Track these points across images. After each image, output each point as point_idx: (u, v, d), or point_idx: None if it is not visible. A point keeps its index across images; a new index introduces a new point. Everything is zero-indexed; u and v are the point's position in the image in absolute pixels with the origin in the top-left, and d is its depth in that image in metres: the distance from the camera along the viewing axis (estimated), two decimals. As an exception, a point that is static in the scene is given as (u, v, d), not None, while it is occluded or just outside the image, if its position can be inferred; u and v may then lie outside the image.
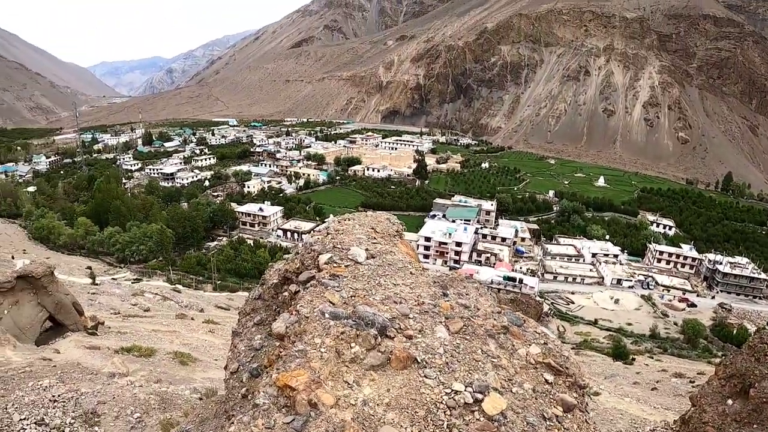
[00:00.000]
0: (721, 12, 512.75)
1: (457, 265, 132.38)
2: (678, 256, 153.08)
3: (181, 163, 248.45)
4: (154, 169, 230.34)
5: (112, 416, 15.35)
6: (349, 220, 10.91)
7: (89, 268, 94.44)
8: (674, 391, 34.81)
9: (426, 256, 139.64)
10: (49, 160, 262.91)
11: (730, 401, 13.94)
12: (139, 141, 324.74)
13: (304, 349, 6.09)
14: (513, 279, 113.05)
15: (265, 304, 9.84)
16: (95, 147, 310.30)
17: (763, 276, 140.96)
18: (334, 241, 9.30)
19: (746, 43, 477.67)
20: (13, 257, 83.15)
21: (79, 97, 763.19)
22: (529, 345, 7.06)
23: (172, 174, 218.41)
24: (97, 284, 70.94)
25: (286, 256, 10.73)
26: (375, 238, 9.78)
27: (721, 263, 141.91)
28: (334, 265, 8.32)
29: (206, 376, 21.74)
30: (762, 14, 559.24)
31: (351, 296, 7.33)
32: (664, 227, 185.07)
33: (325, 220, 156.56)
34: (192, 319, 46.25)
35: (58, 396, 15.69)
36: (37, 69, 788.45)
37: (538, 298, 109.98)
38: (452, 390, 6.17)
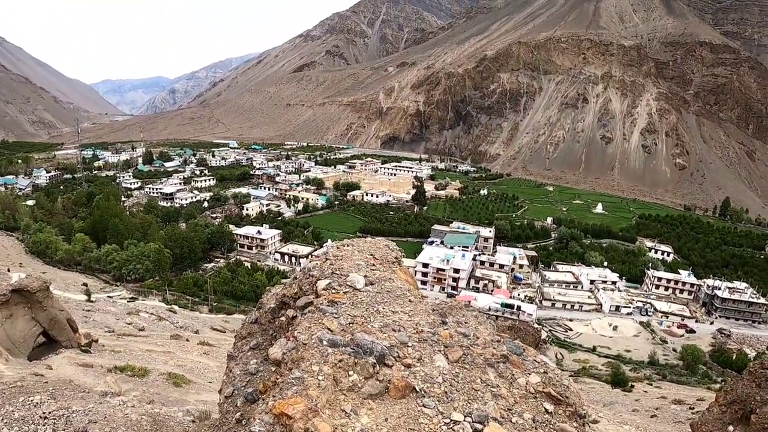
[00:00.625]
0: (717, 39, 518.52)
1: (455, 292, 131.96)
2: (676, 282, 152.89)
3: (180, 183, 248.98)
4: (153, 189, 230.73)
5: (103, 436, 15.14)
6: (347, 245, 10.89)
7: (85, 284, 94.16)
8: (674, 418, 34.51)
9: (424, 282, 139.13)
10: (50, 174, 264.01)
11: (731, 428, 13.85)
12: (140, 160, 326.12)
13: (301, 377, 6.01)
14: (511, 306, 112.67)
15: (262, 329, 9.78)
16: (96, 164, 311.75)
17: (762, 300, 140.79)
18: (332, 266, 9.28)
19: (742, 68, 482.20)
20: (8, 270, 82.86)
21: (81, 113, 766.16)
22: (529, 374, 6.99)
23: (171, 194, 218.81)
24: (92, 301, 70.65)
25: (284, 280, 10.63)
26: (374, 264, 9.76)
27: (719, 288, 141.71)
28: (333, 291, 8.30)
29: (200, 398, 21.49)
30: (758, 40, 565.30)
31: (349, 323, 7.26)
32: (663, 253, 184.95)
33: (324, 244, 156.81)
34: (187, 340, 45.89)
35: (49, 413, 15.46)
36: (41, 83, 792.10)
37: (536, 326, 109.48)
38: (451, 420, 6.08)
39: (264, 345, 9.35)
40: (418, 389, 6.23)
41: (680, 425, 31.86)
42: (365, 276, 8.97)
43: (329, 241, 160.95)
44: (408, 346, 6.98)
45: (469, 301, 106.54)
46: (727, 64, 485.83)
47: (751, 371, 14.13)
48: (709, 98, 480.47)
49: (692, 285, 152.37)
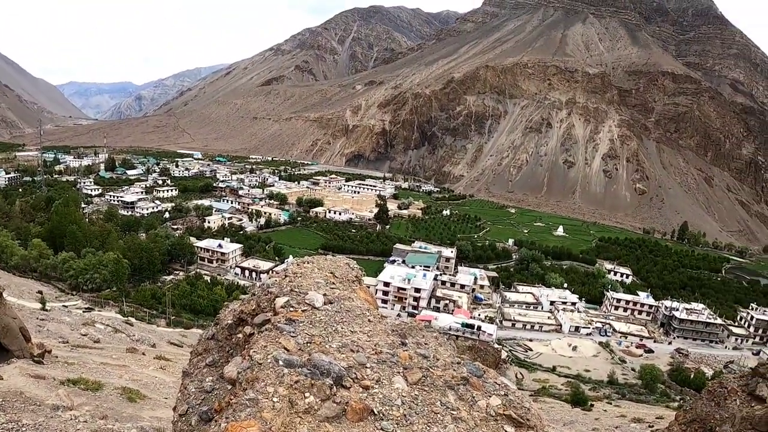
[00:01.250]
0: (680, 69, 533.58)
1: (416, 311, 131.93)
2: (635, 303, 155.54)
3: (142, 192, 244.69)
4: (114, 197, 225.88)
5: (52, 453, 14.62)
6: (308, 263, 10.71)
7: (40, 292, 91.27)
8: (632, 440, 34.86)
9: (384, 301, 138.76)
10: (9, 176, 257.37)
11: (691, 446, 13.95)
12: (102, 166, 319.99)
13: (256, 398, 5.76)
14: (471, 326, 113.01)
15: (218, 345, 9.48)
16: (57, 167, 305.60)
17: (718, 321, 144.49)
18: (291, 284, 9.12)
19: (702, 98, 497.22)
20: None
21: (45, 114, 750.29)
22: (489, 396, 6.86)
23: (132, 203, 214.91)
24: (47, 310, 68.33)
25: (242, 296, 10.28)
26: (334, 283, 9.64)
27: (677, 309, 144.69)
28: (291, 309, 8.12)
29: (155, 414, 20.90)
30: (718, 71, 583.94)
31: (307, 342, 7.04)
32: (622, 275, 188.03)
33: (285, 260, 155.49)
34: (143, 354, 44.81)
35: (-2, 426, 14.90)
36: (5, 81, 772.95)
37: (496, 346, 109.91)
38: (411, 444, 5.93)
39: (220, 362, 9.06)
40: (376, 412, 6.01)
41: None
42: (324, 294, 8.82)
43: (290, 257, 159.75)
44: (366, 367, 6.79)
45: (430, 321, 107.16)
46: (688, 94, 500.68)
47: (710, 390, 14.28)
48: (670, 126, 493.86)
49: (650, 306, 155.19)
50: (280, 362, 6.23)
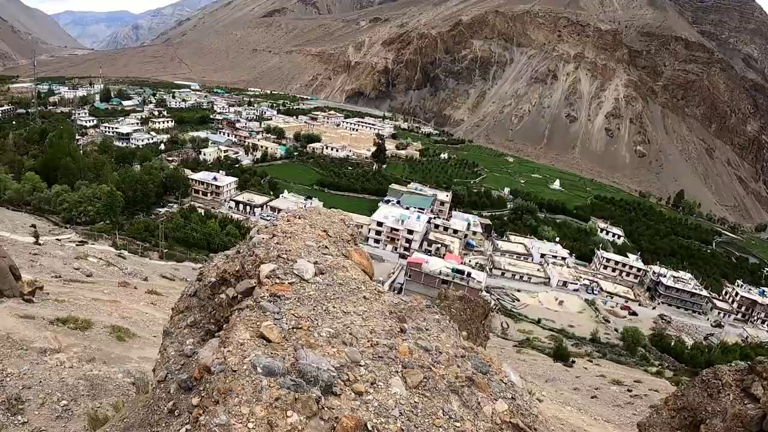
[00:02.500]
0: (694, 36, 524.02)
1: (408, 253, 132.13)
2: (624, 264, 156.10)
3: (138, 123, 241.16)
4: (109, 128, 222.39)
5: (37, 403, 14.05)
6: (299, 218, 9.95)
7: (33, 226, 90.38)
8: (613, 401, 35.01)
9: (377, 241, 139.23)
10: (2, 108, 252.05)
11: (678, 434, 13.56)
12: (97, 97, 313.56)
13: (228, 424, 4.86)
14: (461, 272, 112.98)
15: (201, 304, 8.68)
16: (51, 99, 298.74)
17: (703, 293, 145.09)
18: (279, 247, 8.36)
19: (713, 69, 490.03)
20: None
21: (40, 45, 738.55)
22: (495, 400, 6.10)
23: (127, 134, 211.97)
24: (40, 244, 67.61)
25: (227, 252, 9.29)
26: (326, 246, 8.93)
27: (664, 276, 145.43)
28: (277, 281, 7.36)
29: (143, 354, 20.47)
30: (733, 44, 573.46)
31: (293, 328, 6.22)
32: (614, 235, 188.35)
33: (280, 195, 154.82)
34: (135, 288, 44.49)
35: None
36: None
37: (485, 295, 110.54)
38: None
39: (202, 323, 8.29)
40: (370, 427, 5.17)
41: (619, 408, 32.29)
42: (315, 263, 8.11)
43: (285, 191, 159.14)
44: (360, 365, 5.92)
45: (421, 264, 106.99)
46: (700, 62, 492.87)
47: (704, 380, 13.74)
48: (677, 92, 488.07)
49: (639, 269, 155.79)
50: (259, 369, 5.28)
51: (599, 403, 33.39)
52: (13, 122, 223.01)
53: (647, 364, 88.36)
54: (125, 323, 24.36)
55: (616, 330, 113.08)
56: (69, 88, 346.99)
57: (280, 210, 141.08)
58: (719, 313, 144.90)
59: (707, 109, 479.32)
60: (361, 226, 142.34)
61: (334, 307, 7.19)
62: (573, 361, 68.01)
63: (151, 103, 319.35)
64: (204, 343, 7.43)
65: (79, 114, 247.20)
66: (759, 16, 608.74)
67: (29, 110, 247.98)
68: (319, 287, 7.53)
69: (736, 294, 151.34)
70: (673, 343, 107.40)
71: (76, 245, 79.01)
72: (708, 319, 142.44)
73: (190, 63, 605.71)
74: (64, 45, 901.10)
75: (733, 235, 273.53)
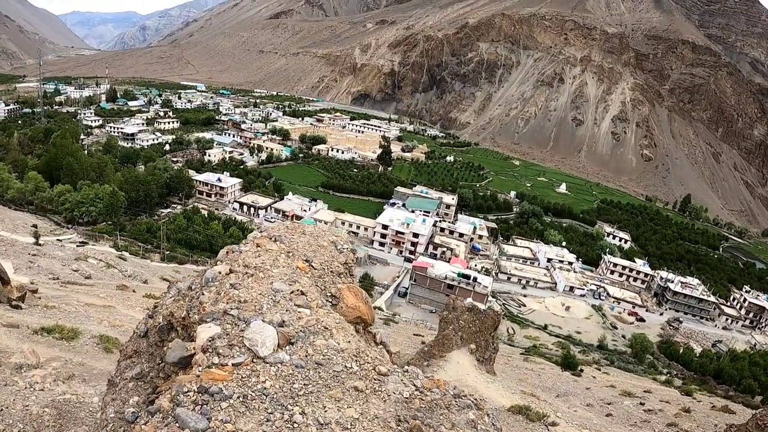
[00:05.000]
0: (701, 40, 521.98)
1: (413, 257, 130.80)
2: (631, 269, 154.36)
3: (143, 124, 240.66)
4: (114, 128, 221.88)
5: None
6: (274, 241, 7.59)
7: (35, 226, 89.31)
8: (628, 419, 33.43)
9: (382, 244, 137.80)
10: (8, 108, 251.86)
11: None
12: (103, 97, 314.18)
13: None
14: (467, 276, 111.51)
15: (149, 351, 6.65)
16: (57, 98, 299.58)
17: (711, 299, 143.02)
18: (232, 294, 6.01)
19: (720, 73, 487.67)
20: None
21: (47, 45, 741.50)
22: None
23: (132, 134, 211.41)
24: (40, 245, 66.38)
25: (178, 284, 7.12)
26: (302, 292, 6.36)
27: (672, 281, 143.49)
28: (216, 359, 5.09)
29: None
30: (740, 48, 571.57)
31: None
32: (620, 240, 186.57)
33: (285, 197, 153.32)
34: (133, 291, 43.19)
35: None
36: (6, 11, 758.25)
37: (492, 301, 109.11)
38: None
39: (150, 375, 6.26)
40: None
41: (636, 429, 30.68)
42: (281, 324, 5.65)
43: (290, 193, 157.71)
44: None
45: (426, 268, 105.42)
46: (706, 66, 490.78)
47: (759, 424, 12.29)
48: (684, 96, 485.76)
49: (646, 275, 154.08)
50: None
51: (615, 423, 31.79)
52: (19, 121, 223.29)
53: (656, 373, 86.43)
54: (115, 332, 22.80)
55: (623, 336, 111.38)
56: (75, 88, 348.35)
57: (284, 212, 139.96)
58: (727, 319, 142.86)
59: (714, 113, 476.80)
60: (366, 229, 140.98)
61: (303, 413, 4.68)
62: (581, 370, 66.21)
63: (156, 103, 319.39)
64: (150, 406, 5.52)
65: (84, 114, 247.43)
66: (766, 20, 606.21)
67: (35, 110, 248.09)
68: (282, 373, 5.15)
69: (744, 300, 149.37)
70: (681, 351, 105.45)
71: (77, 246, 77.83)
72: (716, 326, 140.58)
73: (197, 64, 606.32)
74: (71, 45, 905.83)
75: (740, 240, 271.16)
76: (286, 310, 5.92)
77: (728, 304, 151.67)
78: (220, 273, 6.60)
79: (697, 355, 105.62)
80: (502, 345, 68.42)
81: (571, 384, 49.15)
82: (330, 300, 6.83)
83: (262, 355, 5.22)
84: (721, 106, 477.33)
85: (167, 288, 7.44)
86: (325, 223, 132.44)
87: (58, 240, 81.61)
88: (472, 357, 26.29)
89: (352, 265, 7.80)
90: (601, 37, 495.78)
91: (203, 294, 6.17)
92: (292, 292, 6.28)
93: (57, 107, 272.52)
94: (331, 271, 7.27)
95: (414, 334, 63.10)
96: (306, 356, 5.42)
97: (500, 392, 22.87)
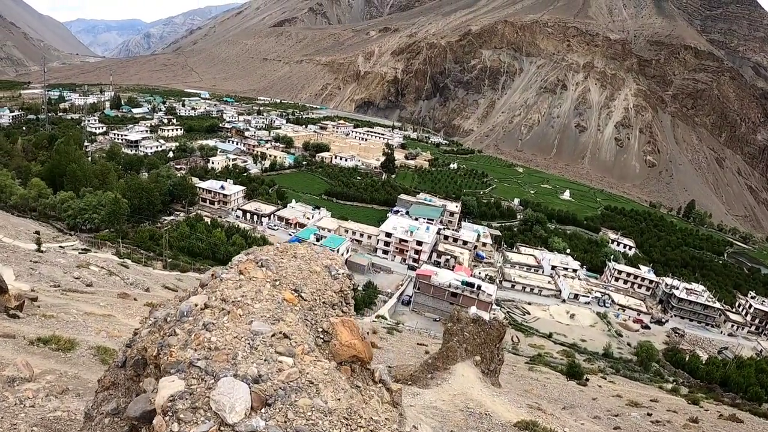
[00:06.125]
0: (703, 45, 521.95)
1: (417, 265, 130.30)
2: (636, 276, 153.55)
3: (147, 131, 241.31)
4: (118, 135, 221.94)
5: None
6: (261, 266, 6.69)
7: (37, 233, 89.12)
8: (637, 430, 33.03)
9: (386, 252, 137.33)
10: (13, 114, 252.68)
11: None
12: (107, 104, 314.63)
13: None
14: (471, 285, 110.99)
15: (126, 384, 6.11)
16: (61, 105, 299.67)
17: (717, 305, 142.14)
18: (202, 337, 5.23)
19: (723, 78, 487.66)
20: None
21: (51, 52, 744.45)
22: None
23: (136, 141, 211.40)
24: (42, 251, 66.17)
25: (156, 314, 6.51)
26: (285, 335, 5.52)
27: (677, 288, 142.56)
28: (175, 429, 4.43)
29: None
30: (742, 53, 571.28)
31: None
32: (625, 246, 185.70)
33: (288, 204, 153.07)
34: (134, 299, 42.76)
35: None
36: (12, 18, 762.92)
37: (496, 309, 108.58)
38: None
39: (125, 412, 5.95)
40: None
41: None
42: (257, 379, 4.84)
43: (293, 201, 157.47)
44: None
45: (430, 276, 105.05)
46: (709, 71, 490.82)
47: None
48: (687, 101, 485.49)
49: (651, 281, 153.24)
50: None
51: (623, 437, 31.45)
52: (23, 128, 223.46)
53: (662, 381, 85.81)
54: (113, 343, 22.40)
55: (628, 344, 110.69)
56: (80, 95, 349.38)
57: (287, 220, 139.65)
58: (732, 325, 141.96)
59: (717, 118, 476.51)
60: (370, 237, 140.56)
61: None
62: (587, 379, 65.74)
63: (160, 111, 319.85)
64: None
65: (89, 121, 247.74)
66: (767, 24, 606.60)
67: (39, 116, 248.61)
68: None
69: (750, 306, 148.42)
70: (688, 359, 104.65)
71: (79, 253, 77.56)
72: (722, 332, 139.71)
73: (201, 71, 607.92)
74: (76, 52, 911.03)
75: (745, 246, 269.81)
76: (265, 360, 5.22)
77: (734, 310, 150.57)
78: (196, 306, 5.93)
79: (703, 362, 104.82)
80: (506, 354, 68.00)
81: (577, 394, 48.69)
82: (321, 336, 6.12)
83: (231, 422, 4.47)
84: (724, 111, 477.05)
85: (149, 313, 7.02)
86: (329, 231, 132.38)
87: (60, 247, 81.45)
88: (477, 369, 25.91)
89: (348, 292, 7.05)
90: (604, 43, 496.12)
91: (175, 332, 5.52)
92: (273, 335, 5.50)
93: (61, 114, 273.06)
94: (324, 302, 6.55)
95: (418, 344, 62.65)
96: (285, 422, 4.62)
97: (506, 406, 22.49)
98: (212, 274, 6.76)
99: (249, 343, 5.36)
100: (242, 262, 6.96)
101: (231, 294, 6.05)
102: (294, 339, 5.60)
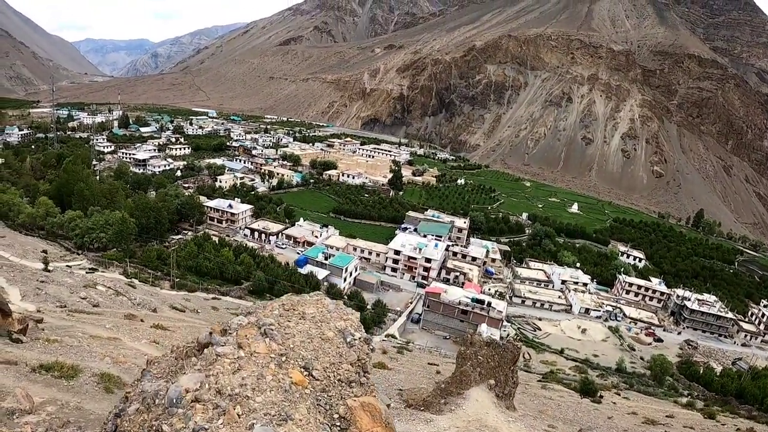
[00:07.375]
0: (706, 53, 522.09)
1: (426, 282, 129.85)
2: (647, 288, 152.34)
3: (155, 150, 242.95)
4: (126, 154, 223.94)
5: None
6: (264, 335, 5.84)
7: (45, 251, 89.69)
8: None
9: (394, 270, 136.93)
10: (22, 132, 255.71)
11: None
12: (116, 123, 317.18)
13: None
14: (481, 301, 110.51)
15: None
16: (70, 124, 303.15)
17: (729, 315, 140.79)
18: (202, 423, 4.47)
19: (728, 85, 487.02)
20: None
21: (60, 71, 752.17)
22: None
23: (144, 160, 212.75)
24: (49, 271, 66.30)
25: (143, 386, 5.98)
26: (298, 418, 4.65)
27: (689, 299, 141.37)
28: None
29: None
30: (746, 59, 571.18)
31: None
32: (635, 259, 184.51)
33: (296, 222, 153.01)
34: (141, 320, 42.74)
35: None
36: (21, 38, 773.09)
37: (507, 326, 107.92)
38: None
39: None
40: None
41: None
42: None
43: (301, 219, 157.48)
44: None
45: (440, 293, 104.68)
46: (714, 79, 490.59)
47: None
48: (692, 110, 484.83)
49: (662, 293, 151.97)
50: None
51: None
52: (32, 146, 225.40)
53: (676, 395, 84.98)
54: (117, 370, 22.24)
55: (642, 358, 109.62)
56: (88, 114, 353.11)
57: (296, 238, 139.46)
58: (746, 335, 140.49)
59: (723, 125, 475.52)
60: (378, 255, 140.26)
61: None
62: (601, 396, 65.12)
63: (168, 129, 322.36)
64: None
65: (97, 139, 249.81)
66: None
67: (48, 135, 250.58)
68: None
69: (763, 315, 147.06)
70: (702, 371, 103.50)
71: (87, 272, 77.69)
72: (735, 342, 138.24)
73: (208, 90, 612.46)
74: (85, 72, 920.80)
75: (755, 254, 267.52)
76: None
77: (746, 319, 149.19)
78: (186, 393, 5.05)
79: (718, 374, 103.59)
80: (519, 372, 67.55)
81: (592, 413, 48.21)
82: (338, 424, 5.14)
83: None
84: (729, 119, 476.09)
85: (141, 374, 6.70)
86: (337, 249, 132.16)
87: (67, 266, 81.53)
88: (492, 393, 25.75)
89: (367, 360, 6.04)
90: (608, 54, 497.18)
91: (163, 426, 4.78)
92: (280, 416, 4.63)
93: (70, 133, 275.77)
94: (339, 379, 5.60)
95: (428, 363, 62.37)
96: None
97: (522, 432, 22.30)
98: (211, 331, 6.15)
99: None
100: (242, 328, 6.16)
101: (227, 382, 5.12)
102: (304, 425, 4.70)
